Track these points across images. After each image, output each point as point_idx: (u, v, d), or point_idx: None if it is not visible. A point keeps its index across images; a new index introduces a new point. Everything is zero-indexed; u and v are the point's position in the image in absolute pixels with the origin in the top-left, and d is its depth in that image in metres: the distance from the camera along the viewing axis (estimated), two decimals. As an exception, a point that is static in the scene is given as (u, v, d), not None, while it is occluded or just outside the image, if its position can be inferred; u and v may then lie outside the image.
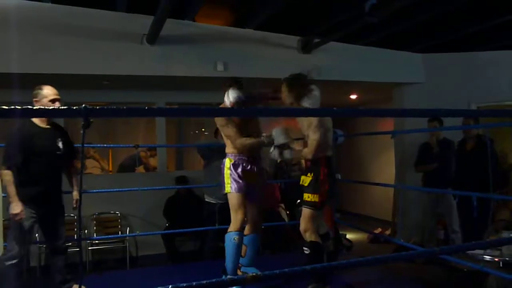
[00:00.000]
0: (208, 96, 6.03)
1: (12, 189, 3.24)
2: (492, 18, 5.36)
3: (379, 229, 7.42)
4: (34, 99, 3.44)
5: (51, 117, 3.10)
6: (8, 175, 3.26)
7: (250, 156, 3.65)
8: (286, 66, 6.01)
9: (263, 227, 4.88)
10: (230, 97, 3.50)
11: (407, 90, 6.96)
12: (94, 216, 6.14)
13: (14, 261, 3.26)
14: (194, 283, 1.49)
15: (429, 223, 5.68)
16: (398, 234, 6.93)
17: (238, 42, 5.89)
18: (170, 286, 1.44)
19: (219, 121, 3.62)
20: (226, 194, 3.66)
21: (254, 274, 1.58)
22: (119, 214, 6.26)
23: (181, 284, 1.47)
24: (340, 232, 6.23)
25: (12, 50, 4.88)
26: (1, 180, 3.36)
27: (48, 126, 3.50)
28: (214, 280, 1.54)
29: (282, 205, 6.53)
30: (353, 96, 8.44)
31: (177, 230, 5.39)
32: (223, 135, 3.74)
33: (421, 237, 5.86)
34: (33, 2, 5.07)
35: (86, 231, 5.99)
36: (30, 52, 4.97)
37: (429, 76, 6.82)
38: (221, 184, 3.74)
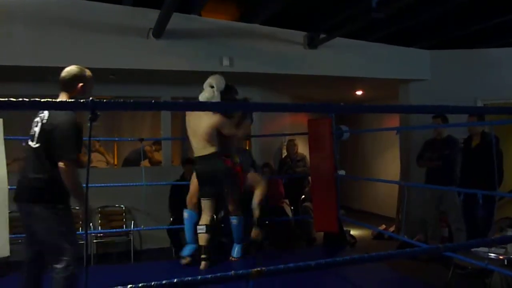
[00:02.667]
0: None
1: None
2: (499, 15, 5.32)
3: (383, 226, 7.40)
4: (80, 84, 3.02)
5: (58, 109, 2.62)
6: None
7: None
8: (292, 61, 6.02)
9: (267, 222, 5.14)
10: None
11: (413, 86, 6.91)
12: (99, 209, 6.16)
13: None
14: (199, 277, 1.49)
15: (431, 220, 5.66)
16: (402, 231, 6.91)
17: (244, 37, 5.87)
18: (175, 280, 1.45)
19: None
20: None
21: (258, 269, 1.58)
22: (123, 208, 6.29)
23: (186, 278, 1.48)
24: (344, 229, 6.22)
25: (18, 43, 4.89)
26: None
27: None
28: (218, 274, 1.55)
29: (287, 200, 6.52)
30: (359, 93, 8.41)
31: (179, 226, 5.36)
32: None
33: (425, 234, 5.85)
34: (39, -5, 5.08)
35: (91, 224, 6.02)
36: (36, 45, 4.97)
37: (436, 72, 6.77)
38: None
